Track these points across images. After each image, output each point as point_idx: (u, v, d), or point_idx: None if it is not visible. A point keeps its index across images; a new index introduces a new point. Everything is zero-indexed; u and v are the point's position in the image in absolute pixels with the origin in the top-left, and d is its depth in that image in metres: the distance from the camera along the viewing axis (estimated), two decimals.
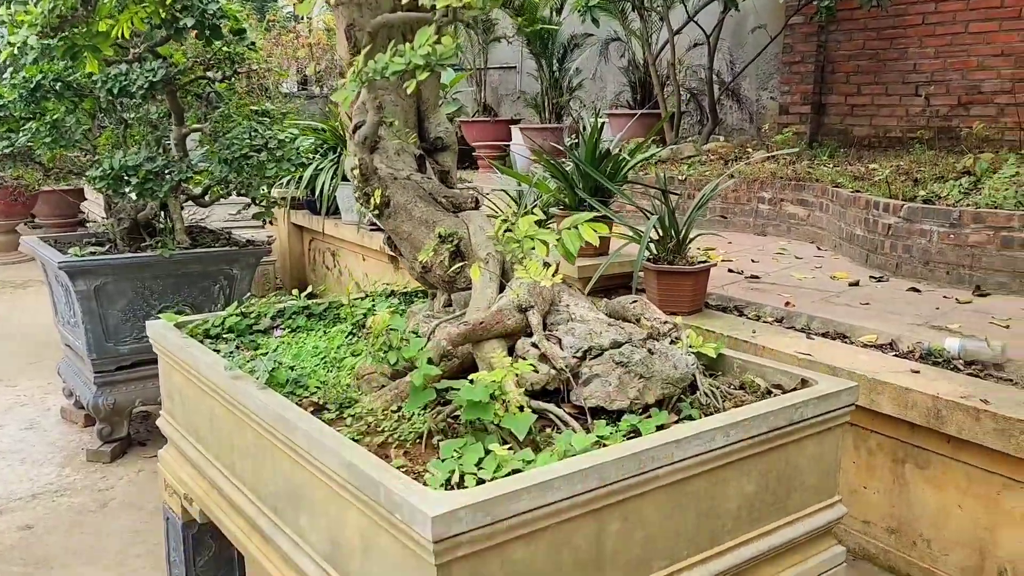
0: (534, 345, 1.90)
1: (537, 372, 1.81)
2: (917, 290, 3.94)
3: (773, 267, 4.61)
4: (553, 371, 1.84)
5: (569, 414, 1.81)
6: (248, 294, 4.27)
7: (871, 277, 4.23)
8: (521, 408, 1.75)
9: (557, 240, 2.23)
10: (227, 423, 2.16)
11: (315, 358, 2.25)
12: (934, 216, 4.06)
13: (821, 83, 8.12)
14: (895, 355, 3.06)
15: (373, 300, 3.07)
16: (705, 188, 3.82)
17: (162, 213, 4.31)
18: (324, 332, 2.67)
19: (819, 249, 5.18)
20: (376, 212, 2.27)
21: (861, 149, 7.44)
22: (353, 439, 1.74)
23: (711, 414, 1.88)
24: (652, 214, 3.77)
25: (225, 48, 4.02)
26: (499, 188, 4.88)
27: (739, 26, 9.03)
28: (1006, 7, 6.68)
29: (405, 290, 3.18)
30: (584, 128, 10.23)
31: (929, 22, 7.19)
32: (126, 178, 3.69)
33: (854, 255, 4.68)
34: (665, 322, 1.97)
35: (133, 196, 3.77)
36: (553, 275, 2.05)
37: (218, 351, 2.41)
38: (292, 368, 2.18)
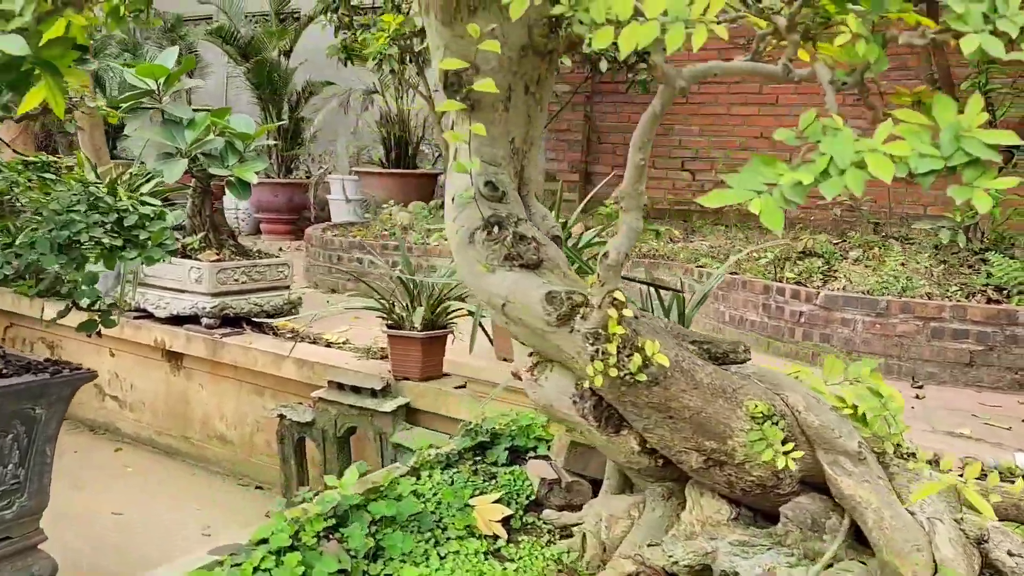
0: None
1: None
2: None
3: None
4: None
5: None
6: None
7: None
8: None
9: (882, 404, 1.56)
10: None
11: None
12: (857, 304, 3.99)
13: (588, 152, 8.14)
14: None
15: (437, 470, 2.04)
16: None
17: None
18: (441, 557, 1.63)
19: None
20: (628, 380, 1.38)
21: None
22: None
23: None
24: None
25: None
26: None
27: None
28: (764, 94, 7.22)
29: (456, 449, 2.18)
30: (322, 182, 9.24)
31: (694, 101, 7.52)
32: None
33: (747, 341, 4.49)
34: None
35: None
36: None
37: None
38: None
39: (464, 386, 3.67)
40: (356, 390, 3.72)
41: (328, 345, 4.36)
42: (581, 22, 1.24)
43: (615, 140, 7.99)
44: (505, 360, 3.38)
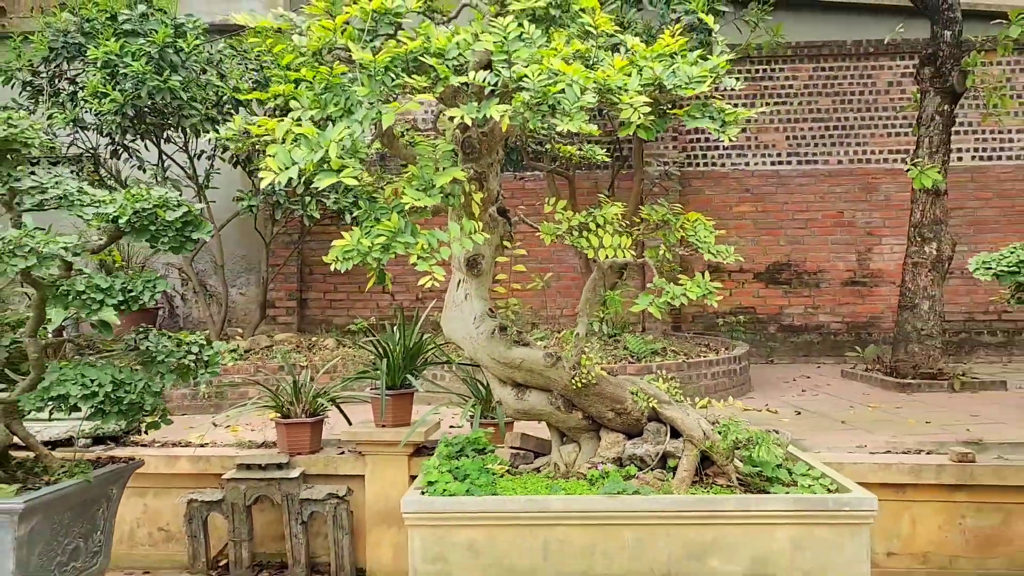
0: None
1: None
2: None
3: None
4: None
5: None
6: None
7: None
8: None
9: None
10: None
11: None
12: None
13: (302, 281, 9.79)
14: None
15: (454, 459, 3.74)
16: None
17: None
18: (499, 479, 3.42)
19: None
20: (586, 384, 3.42)
21: (347, 334, 9.33)
22: None
23: None
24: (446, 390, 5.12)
25: None
26: None
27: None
28: None
29: (452, 452, 3.89)
30: None
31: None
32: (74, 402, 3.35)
33: None
34: None
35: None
36: None
37: None
38: None
39: (343, 452, 5.24)
40: (262, 467, 5.07)
41: (202, 446, 5.54)
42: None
43: (325, 271, 9.78)
44: (383, 426, 5.06)
